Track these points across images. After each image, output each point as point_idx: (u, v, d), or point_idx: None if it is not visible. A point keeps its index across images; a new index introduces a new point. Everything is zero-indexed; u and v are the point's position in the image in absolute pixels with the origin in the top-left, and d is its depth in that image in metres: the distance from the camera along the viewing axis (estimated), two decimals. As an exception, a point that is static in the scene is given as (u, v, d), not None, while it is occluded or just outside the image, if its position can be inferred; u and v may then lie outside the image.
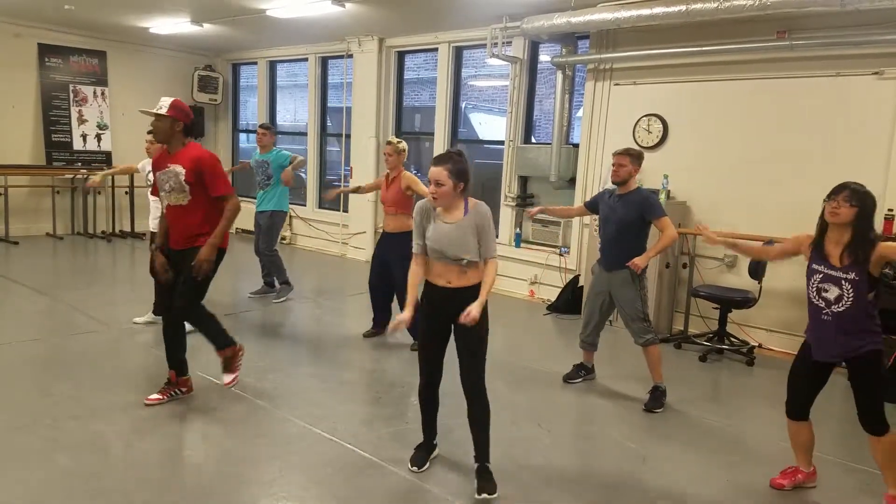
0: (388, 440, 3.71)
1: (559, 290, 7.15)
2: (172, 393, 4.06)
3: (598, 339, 4.84)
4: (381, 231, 9.23)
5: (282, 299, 6.78)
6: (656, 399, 4.48)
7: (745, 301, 5.60)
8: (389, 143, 5.50)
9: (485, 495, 3.14)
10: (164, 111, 3.75)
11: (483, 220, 3.18)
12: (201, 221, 3.80)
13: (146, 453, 3.44)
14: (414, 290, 3.26)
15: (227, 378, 4.07)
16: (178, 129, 3.79)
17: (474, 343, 3.20)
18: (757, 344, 5.93)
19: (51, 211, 9.94)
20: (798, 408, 3.36)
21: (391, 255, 5.32)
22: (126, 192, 10.41)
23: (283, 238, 10.58)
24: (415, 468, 3.36)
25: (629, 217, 4.44)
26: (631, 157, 4.47)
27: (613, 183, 4.56)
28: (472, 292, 3.14)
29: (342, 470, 3.36)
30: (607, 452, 3.77)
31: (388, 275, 5.45)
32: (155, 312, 5.58)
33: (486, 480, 3.20)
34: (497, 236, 3.39)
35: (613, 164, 4.51)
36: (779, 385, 5.05)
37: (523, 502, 3.17)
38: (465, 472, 3.40)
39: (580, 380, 4.88)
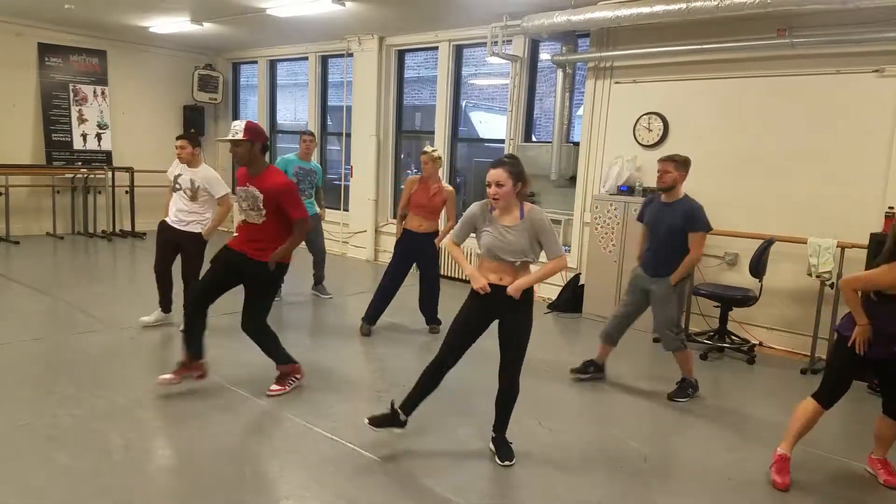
0: (388, 439, 3.70)
1: (560, 288, 7.15)
2: (185, 375, 4.16)
3: (620, 337, 4.82)
4: (377, 229, 9.35)
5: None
6: (682, 389, 4.58)
7: (745, 299, 5.60)
8: (425, 152, 5.61)
9: (507, 462, 3.45)
10: (240, 136, 3.86)
11: (539, 225, 3.31)
12: (271, 238, 4.00)
13: (146, 452, 3.44)
14: (463, 257, 3.55)
15: (274, 387, 4.21)
16: (256, 150, 3.90)
17: (521, 335, 3.39)
18: (758, 342, 5.93)
19: (51, 210, 9.95)
20: (836, 400, 3.45)
21: (427, 255, 5.69)
22: (126, 192, 10.41)
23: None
24: (370, 424, 3.52)
25: (676, 225, 4.45)
26: (675, 163, 4.47)
27: (659, 189, 4.57)
28: (502, 289, 3.33)
29: (342, 469, 3.35)
30: (608, 451, 3.76)
31: (403, 275, 5.71)
32: (165, 309, 5.64)
33: (506, 448, 3.51)
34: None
35: (658, 171, 4.52)
36: (780, 383, 5.08)
37: (521, 499, 3.17)
38: (465, 470, 3.41)
39: (587, 376, 4.85)
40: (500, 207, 3.32)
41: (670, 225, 4.46)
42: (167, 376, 4.10)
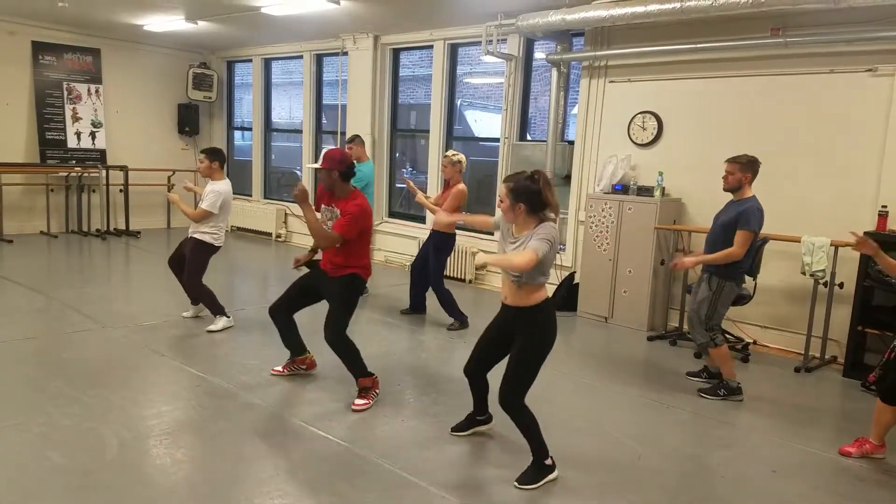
0: (383, 437, 3.71)
1: (555, 287, 7.15)
2: (293, 368, 4.59)
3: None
4: (375, 228, 9.36)
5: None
6: (713, 388, 4.64)
7: (739, 298, 5.59)
8: (445, 156, 6.07)
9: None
10: (318, 165, 4.12)
11: (535, 233, 3.13)
12: (349, 255, 4.17)
13: (140, 451, 3.44)
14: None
15: (359, 402, 4.13)
16: (335, 178, 4.10)
17: (521, 351, 3.26)
18: (752, 340, 5.95)
19: (45, 209, 9.91)
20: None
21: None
22: (120, 191, 10.37)
23: (279, 236, 10.59)
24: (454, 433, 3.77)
25: (728, 220, 4.49)
26: (740, 165, 4.47)
27: (724, 190, 4.61)
28: (519, 312, 3.24)
29: (337, 468, 3.35)
30: (600, 448, 3.77)
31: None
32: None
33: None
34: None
35: (724, 172, 4.57)
36: (772, 382, 5.09)
37: (516, 499, 3.18)
38: (460, 469, 3.42)
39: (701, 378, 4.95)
40: (508, 220, 3.25)
41: (724, 222, 4.52)
42: (278, 368, 4.59)
